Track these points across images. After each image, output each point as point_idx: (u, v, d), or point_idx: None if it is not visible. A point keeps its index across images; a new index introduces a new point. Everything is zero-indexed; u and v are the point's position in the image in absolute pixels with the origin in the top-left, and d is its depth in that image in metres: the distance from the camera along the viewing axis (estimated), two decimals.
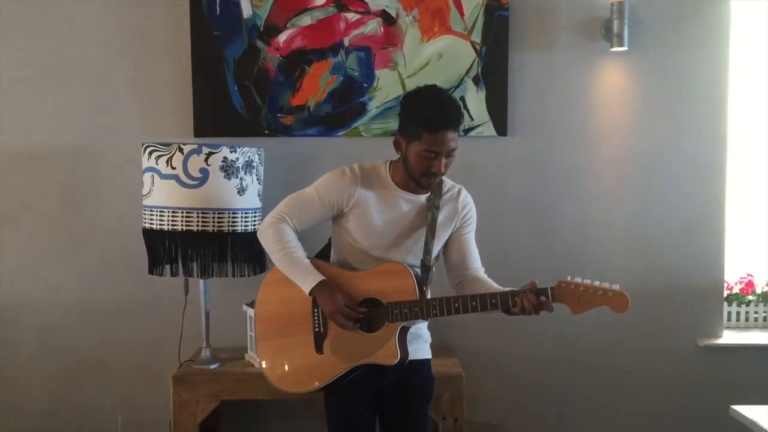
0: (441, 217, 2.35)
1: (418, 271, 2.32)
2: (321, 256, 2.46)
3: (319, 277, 2.27)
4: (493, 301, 2.20)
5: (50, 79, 3.06)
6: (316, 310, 2.34)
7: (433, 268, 2.41)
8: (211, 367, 2.78)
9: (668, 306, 3.11)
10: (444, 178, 2.38)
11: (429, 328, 2.49)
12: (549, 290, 2.17)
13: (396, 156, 2.33)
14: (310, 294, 2.29)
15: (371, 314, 2.29)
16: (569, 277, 2.16)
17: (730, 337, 3.15)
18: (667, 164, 3.09)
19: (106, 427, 3.14)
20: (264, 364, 2.42)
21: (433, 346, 2.97)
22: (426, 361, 2.44)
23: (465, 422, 2.73)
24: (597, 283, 2.15)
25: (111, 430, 3.14)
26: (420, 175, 2.26)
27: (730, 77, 3.08)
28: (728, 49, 3.06)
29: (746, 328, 3.28)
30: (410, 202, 2.34)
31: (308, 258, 2.36)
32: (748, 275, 3.32)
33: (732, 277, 3.28)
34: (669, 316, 3.12)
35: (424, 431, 2.40)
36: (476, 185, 3.04)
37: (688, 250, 3.10)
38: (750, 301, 3.29)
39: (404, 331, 2.30)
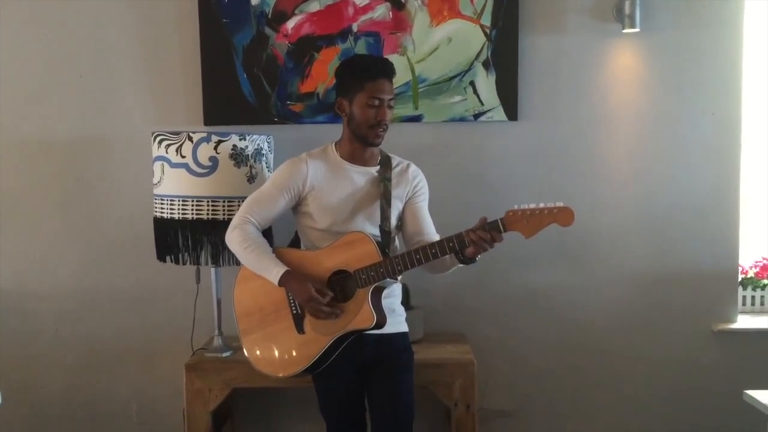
0: (393, 188, 2.48)
1: (378, 236, 2.43)
2: (292, 246, 2.60)
3: (284, 268, 2.39)
4: (450, 243, 2.30)
5: (60, 69, 3.07)
6: (290, 294, 2.43)
7: (396, 238, 2.54)
8: (224, 355, 2.79)
9: (682, 291, 3.09)
10: (392, 155, 2.53)
11: (427, 314, 2.51)
12: (499, 221, 2.25)
13: (338, 138, 2.52)
14: (280, 285, 2.39)
15: (343, 285, 2.39)
16: (515, 206, 2.25)
17: (744, 322, 3.12)
18: (680, 147, 3.06)
19: (120, 415, 3.17)
20: (252, 357, 2.52)
21: (445, 333, 3.01)
22: (402, 334, 2.53)
23: (477, 409, 2.72)
24: (541, 204, 2.23)
25: (125, 418, 3.18)
26: (368, 128, 2.41)
27: (744, 58, 3.03)
28: (742, 29, 3.02)
29: (761, 312, 3.25)
30: (361, 174, 2.48)
31: (273, 248, 2.49)
32: (764, 259, 3.28)
33: (747, 261, 3.25)
34: (683, 301, 3.09)
35: (408, 399, 2.45)
36: (487, 170, 3.07)
37: (702, 233, 3.07)
38: (765, 285, 3.26)
39: (377, 294, 2.39)
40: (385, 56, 2.97)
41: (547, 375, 3.14)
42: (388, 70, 2.44)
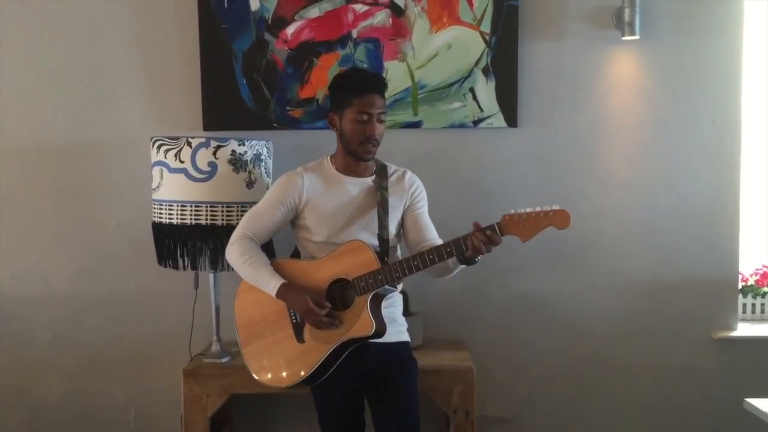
0: (390, 196, 2.48)
1: (377, 244, 2.43)
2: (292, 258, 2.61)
3: (280, 281, 2.40)
4: (448, 249, 2.29)
5: (59, 74, 3.07)
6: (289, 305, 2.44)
7: (398, 248, 2.55)
8: (222, 360, 2.79)
9: (682, 298, 3.08)
10: (388, 163, 2.55)
11: (426, 319, 2.47)
12: (495, 225, 2.25)
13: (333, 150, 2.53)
14: (277, 297, 2.39)
15: (342, 294, 2.39)
16: (512, 210, 2.23)
17: (744, 330, 3.11)
18: (680, 155, 3.05)
19: (118, 421, 3.16)
20: (252, 368, 2.51)
21: (444, 340, 3.00)
22: (404, 343, 2.52)
23: (476, 416, 2.71)
24: (538, 208, 2.21)
25: (123, 424, 3.16)
26: (358, 143, 2.42)
27: (744, 65, 3.03)
28: (742, 36, 3.02)
29: (761, 320, 3.24)
30: (357, 185, 2.48)
31: (272, 260, 2.49)
32: (764, 266, 3.28)
33: (747, 268, 3.24)
34: (683, 308, 3.08)
35: (414, 411, 2.43)
36: (486, 177, 3.07)
37: (702, 241, 3.06)
38: (765, 293, 3.25)
39: (376, 301, 2.37)
40: (385, 62, 2.99)
41: (547, 382, 3.13)
42: (378, 85, 2.46)
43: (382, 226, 2.46)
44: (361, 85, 2.43)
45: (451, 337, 3.06)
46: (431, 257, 2.30)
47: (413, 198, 2.55)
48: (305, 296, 2.35)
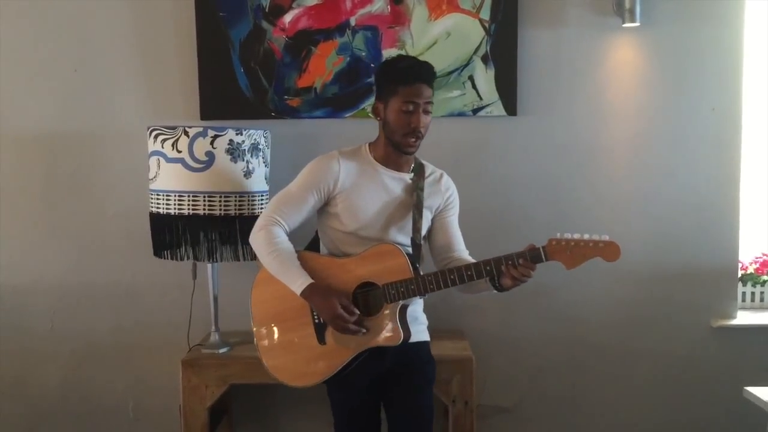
0: (426, 198, 2.38)
1: (410, 249, 2.32)
2: (310, 249, 2.46)
3: (308, 281, 2.25)
4: (488, 267, 2.21)
5: (55, 63, 3.05)
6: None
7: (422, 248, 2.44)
8: (220, 351, 2.78)
9: (682, 286, 3.07)
10: (426, 162, 2.44)
11: (425, 311, 2.48)
12: (541, 249, 2.17)
13: (374, 138, 2.39)
14: (302, 296, 2.26)
15: (369, 298, 2.28)
16: (558, 234, 2.17)
17: (744, 318, 3.11)
18: (680, 142, 3.04)
19: (117, 411, 3.16)
20: (269, 364, 2.40)
21: (443, 329, 2.99)
22: (424, 344, 2.43)
23: (475, 405, 2.71)
24: (587, 236, 2.16)
25: (122, 414, 3.16)
26: (402, 135, 2.29)
27: (745, 53, 3.01)
28: (743, 24, 3.00)
29: (761, 308, 3.24)
30: (394, 180, 2.37)
31: (298, 251, 2.34)
32: (763, 255, 3.27)
33: (747, 256, 3.23)
34: (682, 296, 3.08)
35: (429, 413, 2.38)
36: (486, 166, 3.06)
37: (702, 229, 3.06)
38: (765, 282, 3.24)
39: (404, 309, 2.30)
40: (384, 50, 2.97)
41: (546, 371, 3.13)
42: (426, 74, 2.31)
43: (416, 228, 2.34)
44: (407, 74, 2.28)
45: (451, 326, 3.05)
46: (469, 273, 2.21)
47: (447, 203, 2.45)
48: (334, 300, 2.22)
